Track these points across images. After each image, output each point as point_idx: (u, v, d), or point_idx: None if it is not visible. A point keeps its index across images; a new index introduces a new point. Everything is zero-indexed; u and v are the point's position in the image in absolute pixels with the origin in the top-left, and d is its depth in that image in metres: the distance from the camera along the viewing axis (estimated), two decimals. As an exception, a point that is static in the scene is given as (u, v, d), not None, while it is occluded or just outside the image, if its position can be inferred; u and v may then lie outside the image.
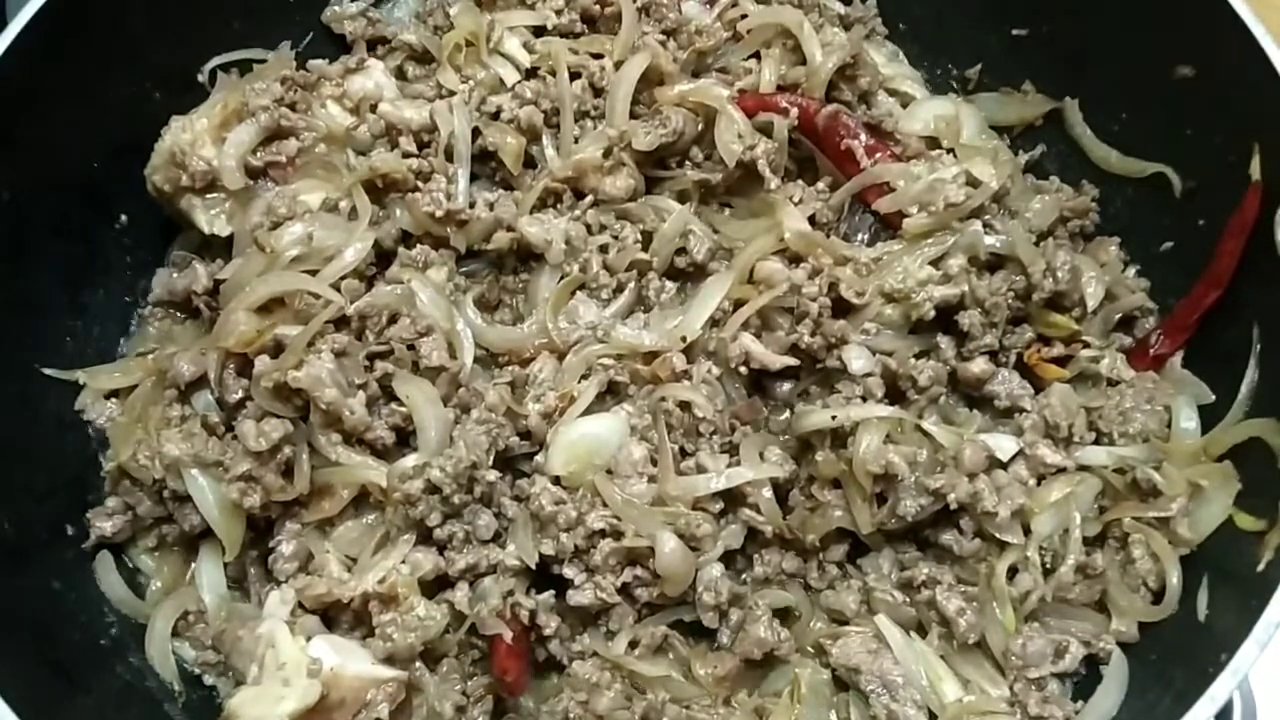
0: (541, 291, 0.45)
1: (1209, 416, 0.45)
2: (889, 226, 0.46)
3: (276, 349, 0.42)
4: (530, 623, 0.42)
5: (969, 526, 0.43)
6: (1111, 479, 0.45)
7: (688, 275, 0.46)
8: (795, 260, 0.44)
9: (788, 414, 0.44)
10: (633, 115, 0.47)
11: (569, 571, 0.44)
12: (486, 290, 0.46)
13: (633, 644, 0.44)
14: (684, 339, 0.43)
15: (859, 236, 0.46)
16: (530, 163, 0.48)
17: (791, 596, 0.43)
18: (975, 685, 0.42)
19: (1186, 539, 0.44)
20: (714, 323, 0.44)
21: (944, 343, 0.45)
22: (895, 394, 0.45)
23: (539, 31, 0.52)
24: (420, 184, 0.46)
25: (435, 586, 0.45)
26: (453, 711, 0.43)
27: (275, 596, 0.43)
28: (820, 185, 0.47)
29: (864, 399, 0.44)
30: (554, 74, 0.48)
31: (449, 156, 0.47)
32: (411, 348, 0.43)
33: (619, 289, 0.45)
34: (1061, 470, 0.45)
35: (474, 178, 0.47)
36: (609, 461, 0.42)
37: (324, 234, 0.44)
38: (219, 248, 0.47)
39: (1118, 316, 0.47)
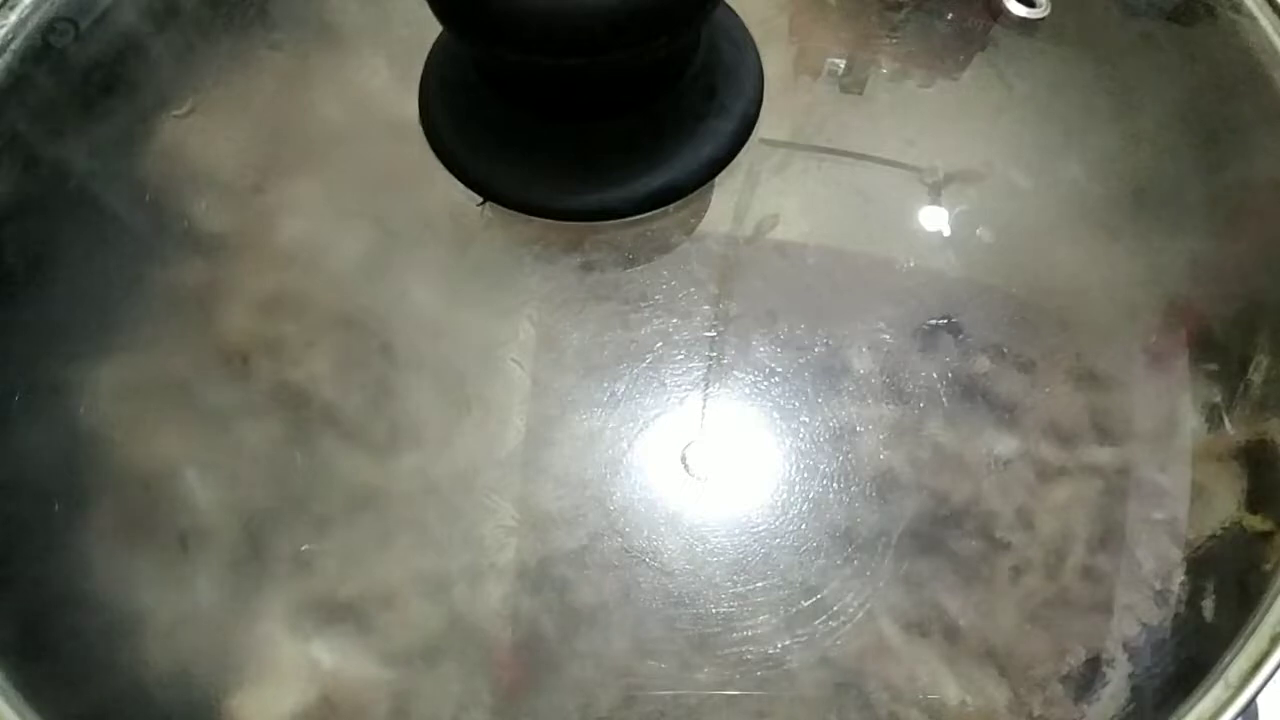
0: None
1: (1213, 416, 0.46)
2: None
3: (276, 347, 0.44)
4: (531, 622, 0.43)
5: (970, 526, 0.44)
6: (1114, 479, 0.45)
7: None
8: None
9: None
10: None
11: (571, 570, 0.44)
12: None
13: (634, 644, 0.44)
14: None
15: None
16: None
17: (792, 595, 0.45)
18: (977, 686, 0.43)
19: (1191, 539, 0.44)
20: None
21: (945, 342, 0.45)
22: (896, 393, 0.45)
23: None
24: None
25: (436, 586, 0.45)
26: (452, 711, 0.43)
27: (274, 596, 0.43)
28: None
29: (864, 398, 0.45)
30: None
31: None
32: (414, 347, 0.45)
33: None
34: (1063, 470, 0.45)
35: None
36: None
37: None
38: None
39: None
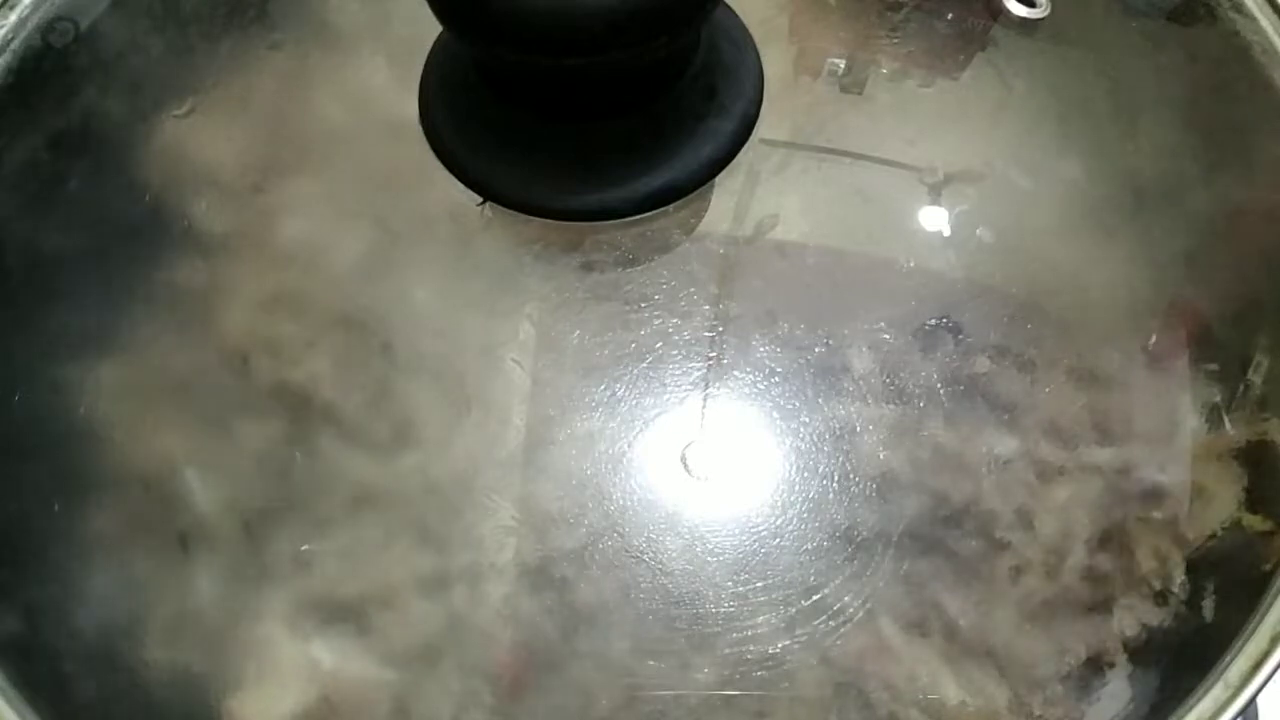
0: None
1: (1213, 416, 0.45)
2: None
3: (276, 347, 0.44)
4: (531, 622, 0.43)
5: (970, 526, 0.43)
6: (1114, 479, 0.45)
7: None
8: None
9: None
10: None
11: (571, 570, 0.43)
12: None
13: (634, 644, 0.44)
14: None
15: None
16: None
17: (792, 596, 0.45)
18: (977, 686, 0.43)
19: (1191, 540, 0.44)
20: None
21: (945, 342, 0.45)
22: (896, 393, 0.45)
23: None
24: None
25: (435, 586, 0.44)
26: (452, 711, 0.43)
27: (274, 596, 0.43)
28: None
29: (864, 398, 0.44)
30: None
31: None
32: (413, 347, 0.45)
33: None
34: (1063, 470, 0.45)
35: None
36: (609, 460, 0.44)
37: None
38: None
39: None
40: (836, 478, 0.38)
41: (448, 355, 0.42)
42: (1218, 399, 0.40)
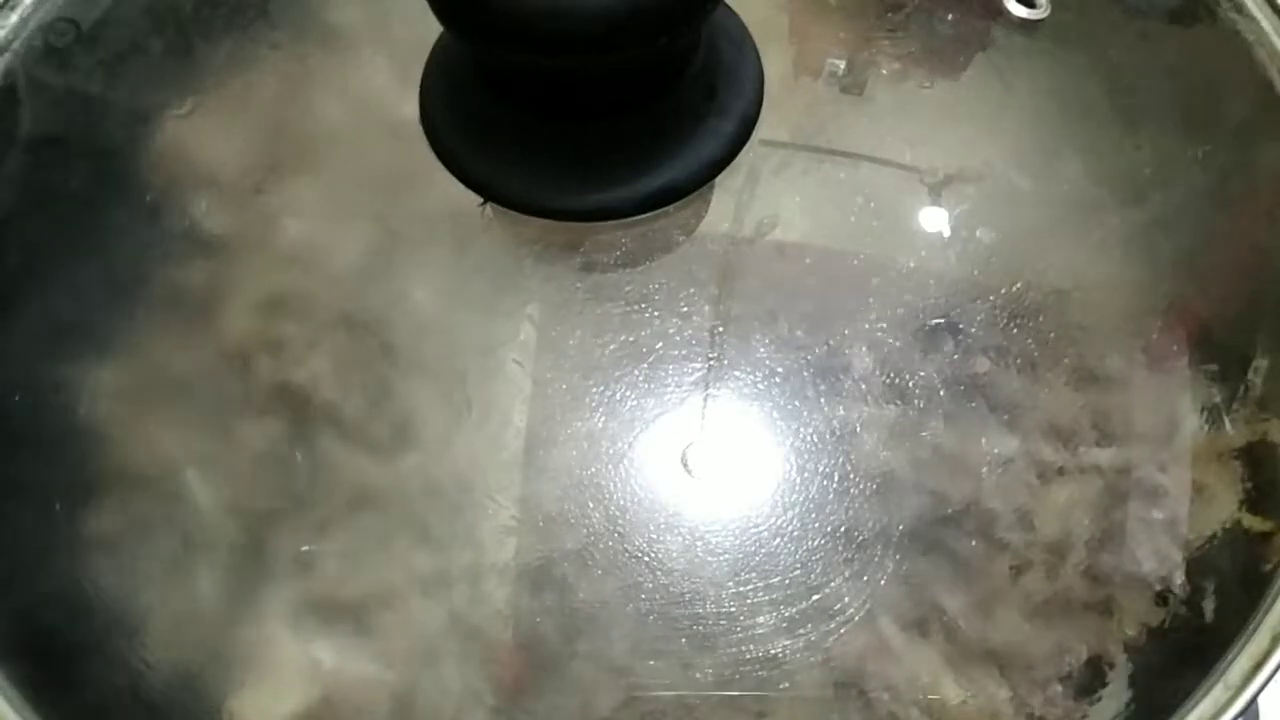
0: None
1: (1213, 416, 0.45)
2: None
3: (277, 347, 0.44)
4: (531, 622, 0.43)
5: (970, 526, 0.43)
6: (1114, 479, 0.45)
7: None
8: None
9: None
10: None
11: (571, 571, 0.43)
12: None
13: (634, 644, 0.44)
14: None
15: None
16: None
17: (792, 596, 0.45)
18: (977, 686, 0.42)
19: (1191, 539, 0.44)
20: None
21: (945, 342, 0.45)
22: (896, 393, 0.45)
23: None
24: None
25: (435, 586, 0.44)
26: (452, 711, 0.43)
27: (274, 596, 0.43)
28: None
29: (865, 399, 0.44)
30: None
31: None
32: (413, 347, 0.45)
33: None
34: (1063, 470, 0.45)
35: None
36: (609, 460, 0.44)
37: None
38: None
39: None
40: (836, 478, 0.38)
41: (448, 356, 0.41)
42: (1218, 399, 0.40)
